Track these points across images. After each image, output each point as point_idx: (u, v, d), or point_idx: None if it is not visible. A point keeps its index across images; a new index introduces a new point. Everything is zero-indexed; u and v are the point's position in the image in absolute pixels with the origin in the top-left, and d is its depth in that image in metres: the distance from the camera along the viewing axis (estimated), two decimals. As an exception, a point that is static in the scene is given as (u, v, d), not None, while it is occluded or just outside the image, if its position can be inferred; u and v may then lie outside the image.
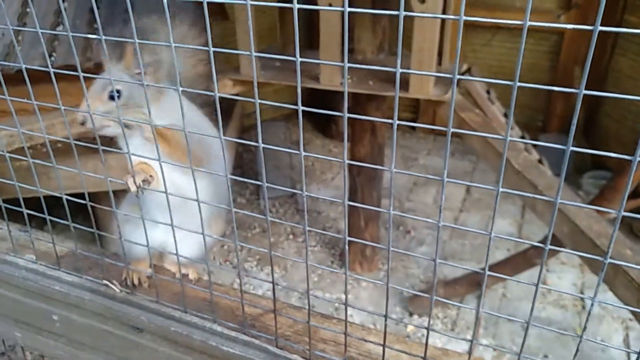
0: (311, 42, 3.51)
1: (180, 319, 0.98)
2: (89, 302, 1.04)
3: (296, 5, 0.65)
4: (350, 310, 3.33)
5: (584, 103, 4.30)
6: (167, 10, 0.70)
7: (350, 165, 3.32)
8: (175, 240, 0.94)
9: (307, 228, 0.79)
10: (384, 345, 0.85)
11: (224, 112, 0.84)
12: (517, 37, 4.46)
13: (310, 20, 3.92)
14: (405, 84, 2.59)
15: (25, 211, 1.07)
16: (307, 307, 0.92)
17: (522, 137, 2.71)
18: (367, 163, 3.36)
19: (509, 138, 0.62)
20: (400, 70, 0.61)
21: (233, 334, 0.94)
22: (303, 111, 0.70)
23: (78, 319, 1.08)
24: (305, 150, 0.74)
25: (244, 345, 0.94)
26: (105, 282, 1.07)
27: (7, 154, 1.04)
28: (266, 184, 0.80)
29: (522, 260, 2.98)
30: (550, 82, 4.46)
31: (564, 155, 0.55)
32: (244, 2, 0.66)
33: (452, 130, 0.64)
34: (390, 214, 0.69)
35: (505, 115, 2.72)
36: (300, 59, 0.69)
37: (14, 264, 1.13)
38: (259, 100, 0.72)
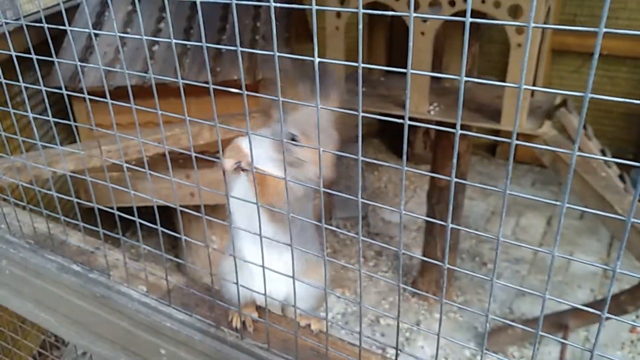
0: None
1: (291, 370, 0.96)
2: (198, 342, 1.05)
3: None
4: (421, 342, 3.24)
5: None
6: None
7: (430, 193, 3.25)
8: (295, 293, 0.93)
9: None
10: None
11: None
12: (609, 64, 4.22)
13: (393, 44, 3.89)
14: (497, 114, 2.50)
15: (145, 247, 1.10)
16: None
17: (621, 177, 2.54)
18: (448, 191, 3.28)
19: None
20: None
21: (345, 392, 0.92)
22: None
23: (186, 356, 1.09)
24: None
25: (356, 405, 0.92)
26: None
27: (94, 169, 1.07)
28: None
29: (612, 306, 2.79)
30: (645, 113, 4.19)
31: None
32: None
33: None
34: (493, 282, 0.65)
35: (603, 152, 2.56)
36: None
37: (127, 295, 1.16)
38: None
